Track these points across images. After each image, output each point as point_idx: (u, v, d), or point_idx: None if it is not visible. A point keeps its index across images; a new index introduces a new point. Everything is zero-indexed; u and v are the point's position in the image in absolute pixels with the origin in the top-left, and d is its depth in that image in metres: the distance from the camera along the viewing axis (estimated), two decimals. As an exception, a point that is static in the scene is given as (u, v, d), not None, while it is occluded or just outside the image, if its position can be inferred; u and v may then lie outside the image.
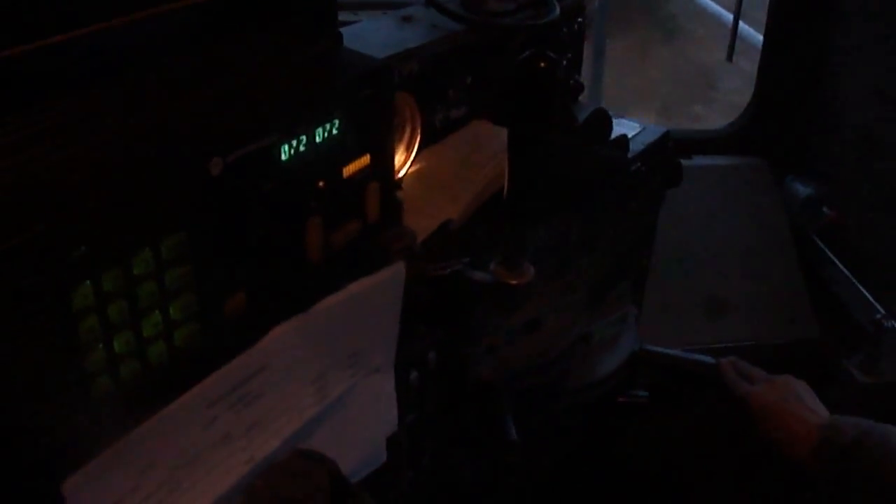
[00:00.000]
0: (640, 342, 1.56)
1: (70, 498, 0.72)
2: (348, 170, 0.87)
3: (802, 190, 1.96)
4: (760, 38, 2.08)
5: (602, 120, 1.54)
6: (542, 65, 0.96)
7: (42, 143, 0.70)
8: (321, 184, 0.85)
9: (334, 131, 0.84)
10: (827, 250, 1.88)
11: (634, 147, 1.54)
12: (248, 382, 0.85)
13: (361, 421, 1.00)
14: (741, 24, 2.20)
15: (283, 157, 0.80)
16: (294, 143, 0.81)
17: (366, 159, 0.88)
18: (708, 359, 1.48)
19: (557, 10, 1.33)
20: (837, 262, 1.85)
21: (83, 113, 0.74)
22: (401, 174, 1.22)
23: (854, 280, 1.82)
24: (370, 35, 1.21)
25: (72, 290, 0.67)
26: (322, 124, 0.83)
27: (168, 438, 0.79)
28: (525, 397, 1.32)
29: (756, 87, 2.05)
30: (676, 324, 1.85)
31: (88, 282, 0.68)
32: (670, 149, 1.60)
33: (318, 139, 0.83)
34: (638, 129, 1.60)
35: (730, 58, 2.32)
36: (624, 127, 1.57)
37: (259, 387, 0.86)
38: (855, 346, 1.80)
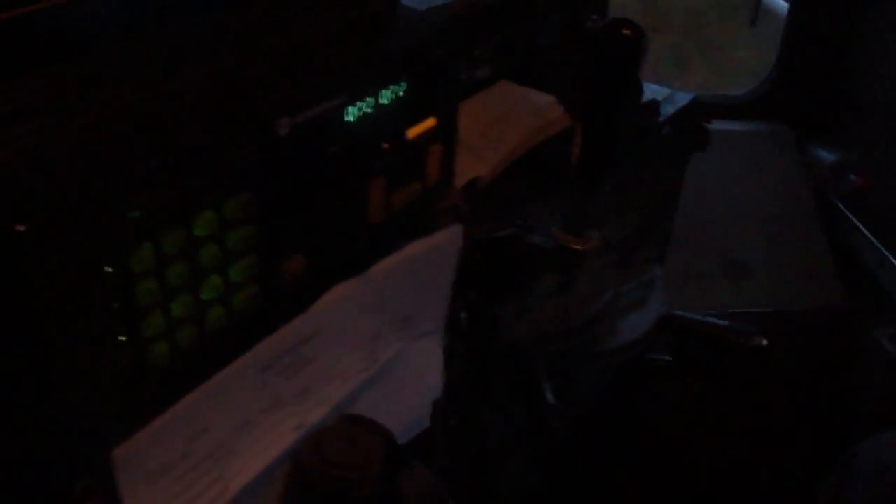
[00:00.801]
0: (667, 306, 1.50)
1: (120, 466, 0.67)
2: (412, 132, 0.82)
3: (827, 156, 1.90)
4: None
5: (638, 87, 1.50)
6: (626, 32, 0.90)
7: (106, 100, 0.65)
8: (385, 145, 0.79)
9: (400, 93, 0.79)
10: (853, 217, 1.81)
11: (664, 111, 1.48)
12: (301, 347, 0.80)
13: (409, 385, 0.96)
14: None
15: (349, 118, 0.75)
16: (360, 104, 0.75)
17: (431, 122, 0.83)
18: (742, 327, 1.43)
19: None
20: (864, 229, 1.79)
21: (146, 68, 0.68)
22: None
23: (881, 248, 1.75)
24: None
25: (131, 252, 0.60)
26: (388, 86, 0.77)
27: (219, 405, 0.74)
28: (553, 360, 1.26)
29: (780, 52, 1.98)
30: (697, 288, 1.80)
31: (149, 243, 0.61)
32: (698, 114, 1.57)
33: (383, 101, 0.77)
34: (666, 94, 1.54)
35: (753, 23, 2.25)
36: (652, 92, 1.50)
37: (311, 351, 0.81)
38: (883, 316, 1.74)
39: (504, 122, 1.24)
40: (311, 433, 0.81)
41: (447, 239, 0.90)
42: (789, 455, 1.69)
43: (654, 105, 1.51)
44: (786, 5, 2.01)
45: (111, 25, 0.68)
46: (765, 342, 1.46)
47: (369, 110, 0.76)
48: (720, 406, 1.63)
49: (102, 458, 0.66)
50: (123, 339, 0.63)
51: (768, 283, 1.81)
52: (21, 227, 0.53)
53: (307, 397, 0.82)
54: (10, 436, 0.64)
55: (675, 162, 1.61)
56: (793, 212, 1.87)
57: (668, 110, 1.50)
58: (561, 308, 1.28)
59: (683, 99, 1.54)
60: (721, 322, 1.51)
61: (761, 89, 1.99)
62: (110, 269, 0.60)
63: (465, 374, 1.11)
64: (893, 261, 1.69)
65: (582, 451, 1.52)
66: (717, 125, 1.80)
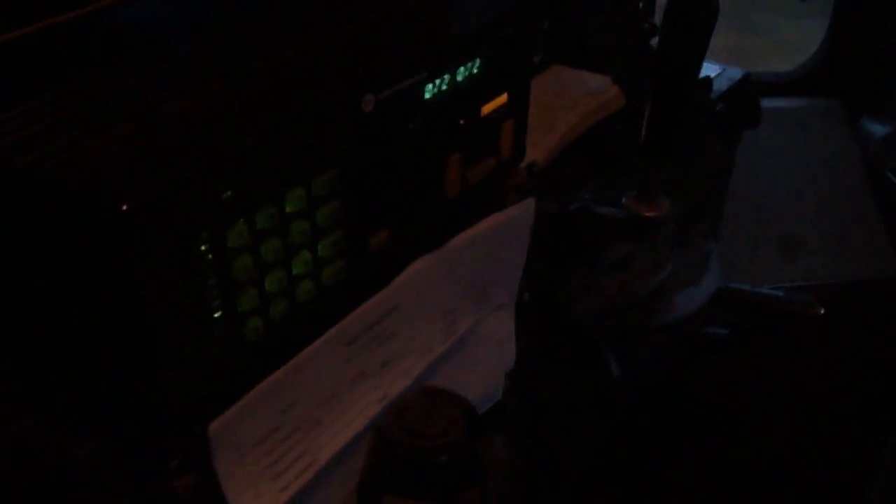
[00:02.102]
0: (723, 280, 1.48)
1: (215, 439, 0.67)
2: (487, 108, 0.81)
3: (879, 130, 1.86)
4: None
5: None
6: (697, 5, 0.89)
7: (197, 85, 0.65)
8: (461, 122, 0.78)
9: (475, 70, 0.77)
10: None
11: (716, 88, 1.48)
12: (384, 320, 0.79)
13: (484, 357, 0.95)
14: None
15: (427, 95, 0.74)
16: (437, 81, 0.74)
17: (503, 98, 0.81)
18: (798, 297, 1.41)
19: None
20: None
21: (232, 52, 0.69)
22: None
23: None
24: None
25: (227, 230, 0.60)
26: (465, 63, 0.76)
27: (307, 378, 0.74)
28: (613, 336, 1.25)
29: (829, 27, 1.95)
30: (751, 263, 1.78)
31: (243, 220, 0.61)
32: (750, 90, 1.55)
33: (459, 77, 0.76)
34: (718, 71, 1.54)
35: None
36: (704, 68, 1.49)
37: (393, 325, 0.81)
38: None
39: (560, 104, 1.23)
40: (392, 405, 0.80)
41: (521, 213, 0.89)
42: (845, 426, 1.67)
43: (707, 82, 1.49)
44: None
45: (192, 13, 0.68)
46: (822, 310, 1.44)
47: (445, 87, 0.75)
48: (776, 378, 1.61)
49: (198, 433, 0.65)
50: (219, 314, 0.62)
51: (822, 256, 1.79)
52: (125, 206, 0.52)
53: (390, 369, 0.82)
54: (110, 413, 0.64)
55: (727, 138, 1.59)
56: (844, 186, 1.84)
57: (721, 87, 1.48)
58: (621, 285, 1.27)
59: (735, 75, 1.52)
60: (776, 293, 1.49)
61: (811, 65, 1.96)
62: (207, 247, 0.59)
63: (528, 351, 1.10)
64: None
65: (639, 424, 1.51)
66: (767, 102, 1.78)
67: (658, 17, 1.61)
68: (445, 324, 0.87)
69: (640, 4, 1.54)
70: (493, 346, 0.95)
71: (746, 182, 1.73)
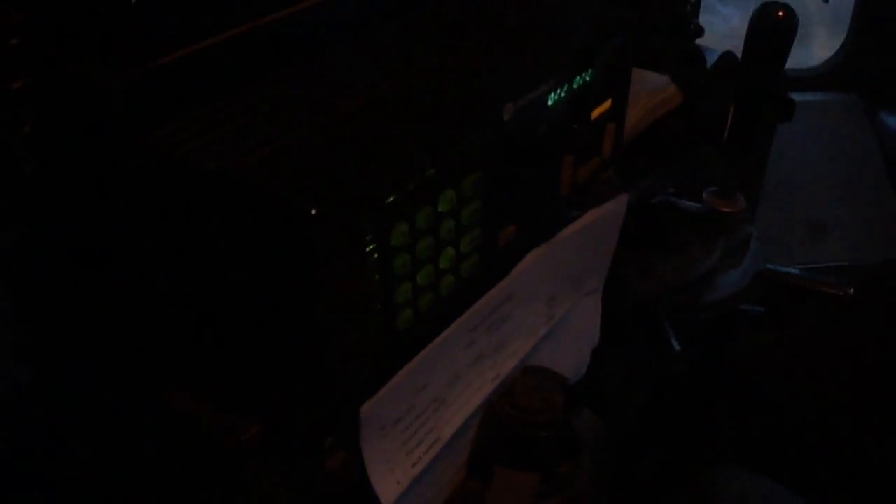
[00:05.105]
0: (762, 262, 1.48)
1: (365, 420, 0.68)
2: (596, 112, 0.81)
3: (896, 124, 1.87)
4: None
5: (732, 62, 1.49)
6: (780, 14, 0.88)
7: (357, 94, 0.66)
8: (575, 126, 0.77)
9: (587, 78, 0.78)
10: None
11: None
12: (501, 307, 0.79)
13: (574, 337, 0.97)
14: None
15: (550, 102, 0.74)
16: (559, 89, 0.75)
17: (608, 103, 0.81)
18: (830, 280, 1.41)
19: None
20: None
21: (386, 62, 0.70)
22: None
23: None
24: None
25: (391, 229, 0.61)
26: (581, 72, 0.77)
27: (438, 362, 0.75)
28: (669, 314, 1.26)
29: (851, 25, 1.94)
30: (781, 246, 1.78)
31: (404, 221, 0.62)
32: (783, 86, 1.53)
33: (574, 85, 0.77)
34: (756, 70, 1.52)
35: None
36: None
37: (507, 311, 0.82)
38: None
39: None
40: (502, 383, 0.81)
41: (616, 207, 0.90)
42: (871, 401, 1.67)
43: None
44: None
45: (346, 26, 0.68)
46: (852, 291, 1.45)
47: (563, 94, 0.75)
48: (808, 354, 1.62)
49: (350, 415, 0.66)
50: (379, 307, 0.62)
51: (844, 239, 1.79)
52: (314, 211, 0.53)
53: (502, 351, 0.83)
54: (279, 398, 0.64)
55: (763, 132, 1.58)
56: (865, 176, 1.85)
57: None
58: (675, 269, 1.27)
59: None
60: (811, 276, 1.49)
61: (833, 62, 1.96)
62: (374, 246, 0.59)
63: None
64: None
65: (681, 398, 1.52)
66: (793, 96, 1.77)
67: (701, 19, 1.61)
68: (547, 308, 0.88)
69: (688, 7, 1.54)
70: (582, 327, 0.96)
71: (777, 170, 1.73)
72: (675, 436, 1.52)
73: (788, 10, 0.92)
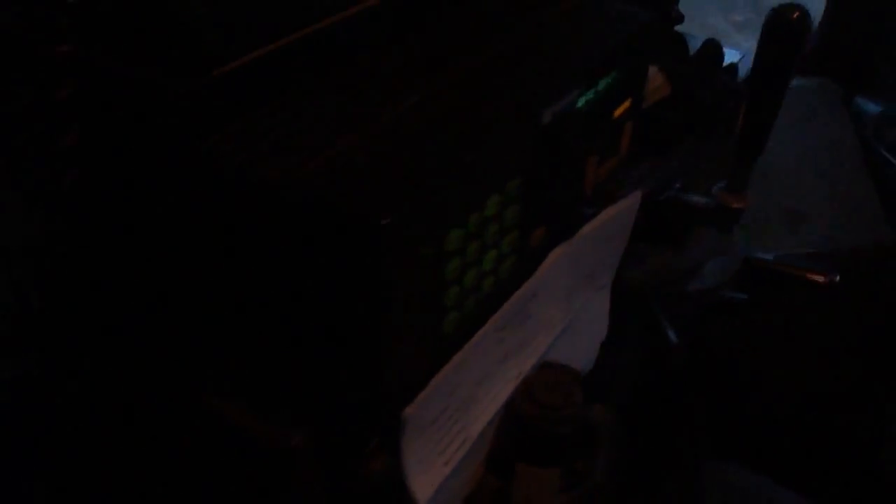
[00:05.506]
0: (745, 249, 1.52)
1: (408, 422, 0.70)
2: (617, 112, 0.83)
3: (873, 108, 1.90)
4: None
5: (716, 50, 1.52)
6: (795, 15, 0.91)
7: (409, 103, 0.68)
8: (599, 127, 0.79)
9: (610, 80, 0.80)
10: (900, 165, 1.83)
11: (741, 73, 1.49)
12: (526, 305, 0.81)
13: (585, 331, 0.98)
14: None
15: (579, 104, 0.76)
16: (588, 92, 0.77)
17: (628, 103, 0.84)
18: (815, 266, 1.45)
19: None
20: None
21: (424, 69, 0.71)
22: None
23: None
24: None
25: (445, 234, 0.63)
26: (607, 75, 0.79)
27: (473, 362, 0.76)
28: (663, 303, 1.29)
29: (825, 9, 1.98)
30: (761, 233, 1.81)
31: (458, 226, 0.64)
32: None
33: (600, 87, 0.78)
34: (739, 56, 1.55)
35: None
36: (727, 55, 1.54)
37: (532, 308, 0.83)
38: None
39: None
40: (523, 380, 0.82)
41: (631, 204, 0.92)
42: (851, 386, 1.72)
43: (734, 69, 1.52)
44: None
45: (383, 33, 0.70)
46: (837, 278, 1.49)
47: (591, 97, 0.77)
48: (787, 339, 1.66)
49: (393, 417, 0.68)
50: (430, 311, 0.64)
51: (821, 226, 1.83)
52: (386, 220, 0.54)
53: (524, 349, 0.85)
54: (328, 404, 0.66)
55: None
56: (842, 161, 1.88)
57: (744, 73, 1.50)
58: (666, 258, 1.30)
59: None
60: (795, 263, 1.53)
61: (806, 47, 1.99)
62: (431, 251, 0.61)
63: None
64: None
65: (676, 389, 1.55)
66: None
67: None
68: (565, 304, 0.89)
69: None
70: (593, 321, 0.98)
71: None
72: (665, 427, 1.55)
73: (802, 11, 0.95)
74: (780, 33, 0.95)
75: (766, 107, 0.99)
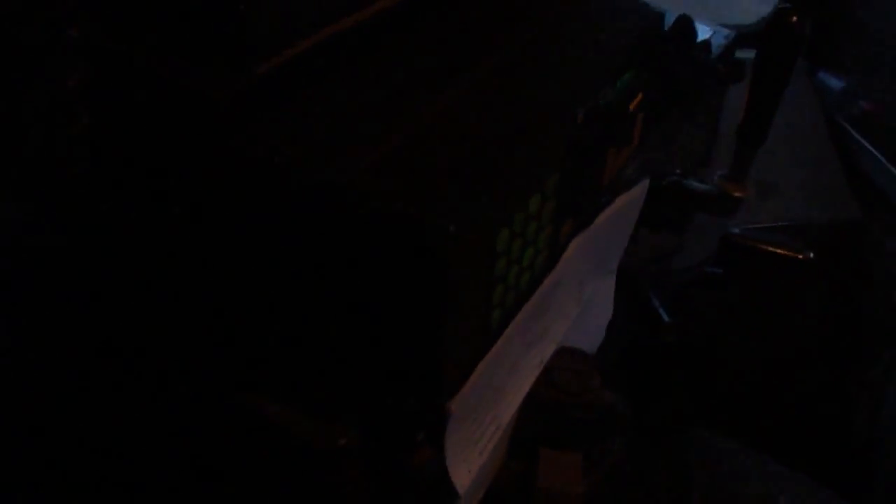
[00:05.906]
0: (723, 225, 1.56)
1: (452, 415, 0.72)
2: (632, 105, 0.86)
3: (837, 83, 1.95)
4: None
5: (688, 26, 1.54)
6: (794, 18, 0.96)
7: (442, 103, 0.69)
8: (619, 120, 0.82)
9: (627, 76, 0.83)
10: (863, 140, 1.88)
11: (713, 50, 1.53)
12: (550, 294, 0.84)
13: (595, 315, 1.02)
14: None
15: (601, 101, 0.78)
16: (613, 89, 0.80)
17: (640, 96, 0.87)
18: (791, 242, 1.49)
19: None
20: (874, 150, 1.85)
21: (457, 70, 0.73)
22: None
23: (892, 167, 1.82)
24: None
25: (497, 235, 0.65)
26: (627, 73, 0.82)
27: (505, 353, 0.79)
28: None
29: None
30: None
31: (506, 227, 0.66)
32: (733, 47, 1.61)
33: (622, 83, 0.82)
34: (710, 32, 1.58)
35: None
36: (699, 31, 1.55)
37: (553, 297, 0.86)
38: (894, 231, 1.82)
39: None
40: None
41: (640, 191, 0.95)
42: (817, 356, 1.77)
43: (707, 45, 1.55)
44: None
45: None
46: (812, 255, 1.53)
47: (615, 93, 0.81)
48: (760, 311, 1.71)
49: (441, 409, 0.70)
50: (480, 310, 0.67)
51: (789, 199, 1.88)
52: (453, 228, 0.57)
53: (545, 336, 0.87)
54: (382, 399, 0.68)
55: (718, 95, 1.66)
56: (808, 135, 1.92)
57: (717, 49, 1.53)
58: (656, 239, 1.33)
59: (726, 35, 1.57)
60: (772, 238, 1.57)
61: (768, 19, 2.02)
62: (484, 253, 0.64)
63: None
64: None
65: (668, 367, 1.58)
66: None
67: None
68: (579, 291, 0.93)
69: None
70: (600, 306, 1.02)
71: (725, 132, 1.80)
72: (654, 403, 1.59)
73: (802, 15, 1.00)
74: (782, 33, 0.99)
75: (767, 100, 1.03)
